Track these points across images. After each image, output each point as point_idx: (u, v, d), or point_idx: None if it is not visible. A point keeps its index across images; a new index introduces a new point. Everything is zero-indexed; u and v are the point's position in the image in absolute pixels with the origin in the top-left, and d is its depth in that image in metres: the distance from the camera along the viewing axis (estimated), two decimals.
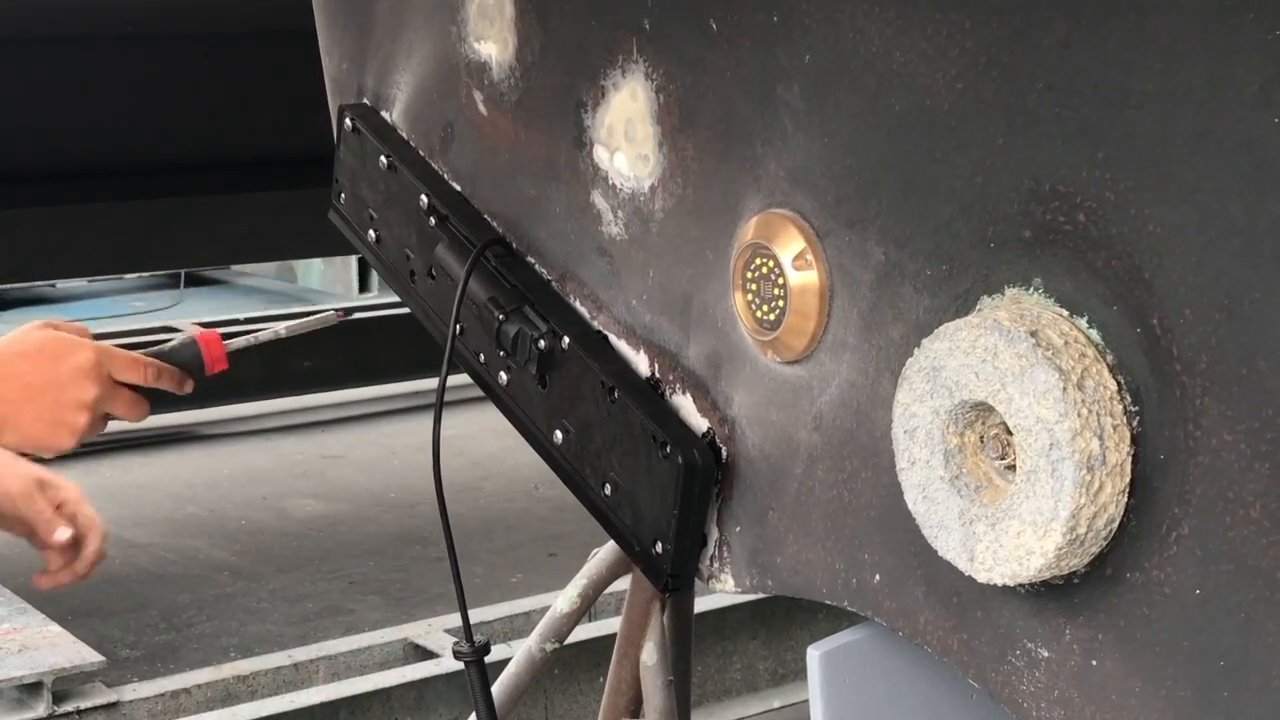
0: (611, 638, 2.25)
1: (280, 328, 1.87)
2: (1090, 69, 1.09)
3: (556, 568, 5.09)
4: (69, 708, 3.62)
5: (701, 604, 3.85)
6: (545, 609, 2.36)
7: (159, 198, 4.21)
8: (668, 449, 1.50)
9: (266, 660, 3.95)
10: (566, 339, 1.62)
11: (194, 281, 9.80)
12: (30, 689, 3.61)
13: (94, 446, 6.39)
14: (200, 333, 1.79)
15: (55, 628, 3.87)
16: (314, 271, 9.76)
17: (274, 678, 3.87)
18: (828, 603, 1.40)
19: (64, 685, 3.66)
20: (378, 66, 1.93)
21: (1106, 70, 1.08)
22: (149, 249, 4.93)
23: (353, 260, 9.36)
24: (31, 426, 1.67)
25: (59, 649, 3.73)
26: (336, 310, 1.79)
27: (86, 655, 3.71)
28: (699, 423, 1.52)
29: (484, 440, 6.17)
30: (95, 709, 3.64)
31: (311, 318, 1.87)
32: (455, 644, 1.72)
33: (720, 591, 1.53)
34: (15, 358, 1.67)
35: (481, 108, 1.75)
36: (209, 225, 4.71)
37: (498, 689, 2.28)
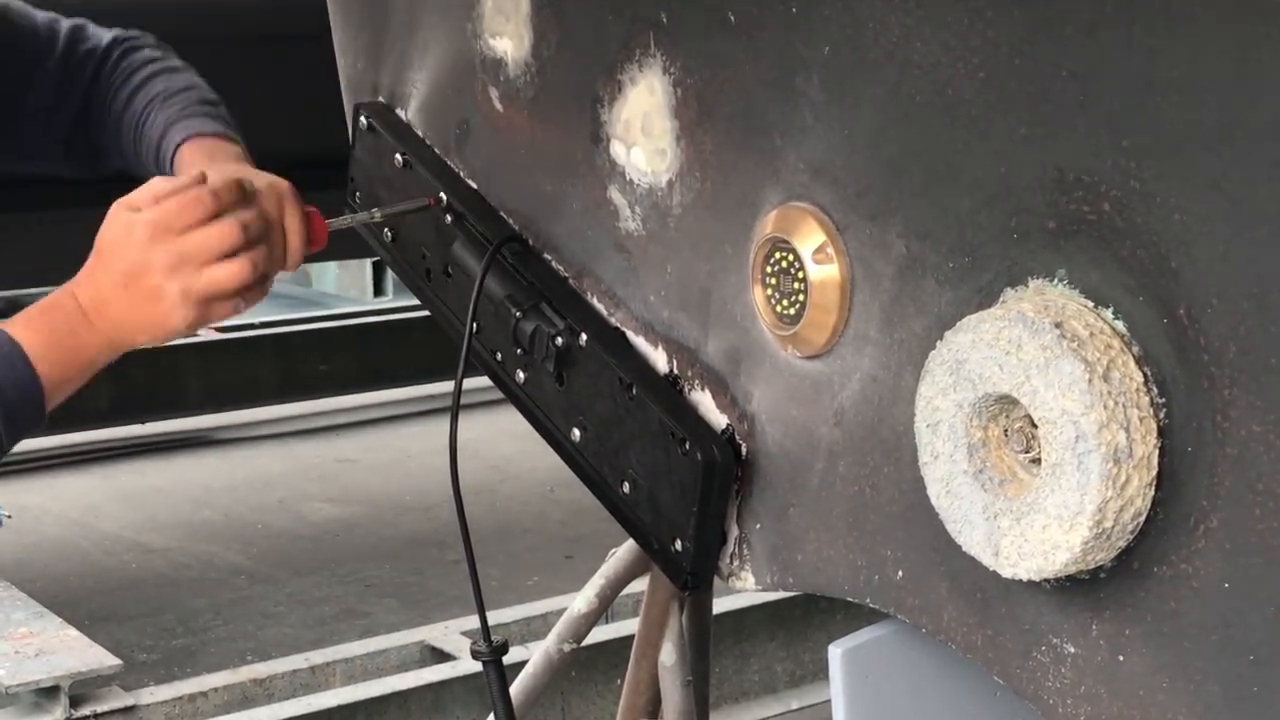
0: (628, 639, 2.24)
1: (375, 211, 1.86)
2: (1115, 56, 1.08)
3: (573, 570, 5.08)
4: (86, 711, 3.62)
5: (719, 605, 3.84)
6: (562, 611, 2.36)
7: None
8: (687, 446, 1.48)
9: (283, 663, 3.96)
10: (584, 336, 1.61)
11: None
12: (47, 693, 3.61)
13: (108, 451, 6.40)
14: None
15: (72, 631, 3.87)
16: (329, 275, 9.76)
17: (291, 681, 3.86)
18: (849, 600, 1.39)
19: (81, 689, 3.66)
20: (392, 64, 1.92)
21: (1132, 58, 1.07)
22: None
23: (367, 264, 9.36)
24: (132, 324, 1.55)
25: (76, 653, 3.73)
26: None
27: (103, 659, 3.71)
28: (718, 419, 1.50)
29: (500, 443, 6.17)
30: (112, 713, 3.64)
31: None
32: (473, 644, 1.71)
33: (741, 590, 1.52)
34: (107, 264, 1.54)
35: (497, 104, 1.74)
36: None
37: (515, 690, 2.27)
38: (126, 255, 1.52)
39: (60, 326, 1.54)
